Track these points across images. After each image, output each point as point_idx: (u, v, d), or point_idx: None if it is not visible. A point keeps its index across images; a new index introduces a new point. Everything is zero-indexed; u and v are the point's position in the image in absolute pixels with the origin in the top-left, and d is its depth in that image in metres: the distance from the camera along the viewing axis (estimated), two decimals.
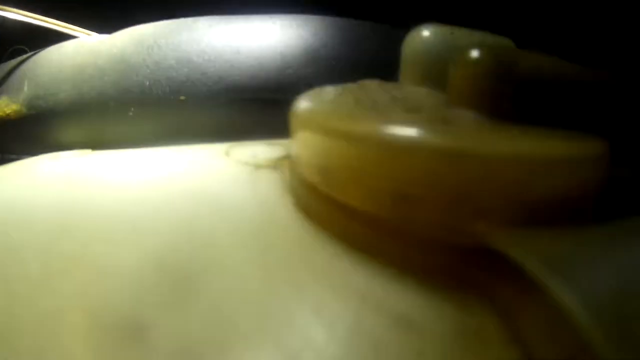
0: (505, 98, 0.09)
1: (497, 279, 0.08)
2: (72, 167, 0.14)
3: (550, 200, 0.08)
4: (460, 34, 0.11)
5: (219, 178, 0.12)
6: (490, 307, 0.08)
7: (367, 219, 0.09)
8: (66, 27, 0.19)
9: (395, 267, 0.09)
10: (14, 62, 0.19)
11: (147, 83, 0.16)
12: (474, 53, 0.09)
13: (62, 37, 0.19)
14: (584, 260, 0.07)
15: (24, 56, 0.19)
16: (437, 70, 0.10)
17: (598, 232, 0.08)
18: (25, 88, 0.18)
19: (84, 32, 0.19)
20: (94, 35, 0.19)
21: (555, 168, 0.08)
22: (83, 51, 0.18)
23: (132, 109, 0.16)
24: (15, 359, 0.08)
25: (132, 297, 0.09)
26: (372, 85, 0.11)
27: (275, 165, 0.12)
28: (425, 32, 0.11)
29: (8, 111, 0.17)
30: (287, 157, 0.12)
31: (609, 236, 0.08)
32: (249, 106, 0.16)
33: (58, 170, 0.14)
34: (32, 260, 0.10)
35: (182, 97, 0.16)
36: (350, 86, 0.11)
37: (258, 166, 0.12)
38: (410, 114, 0.09)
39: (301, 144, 0.10)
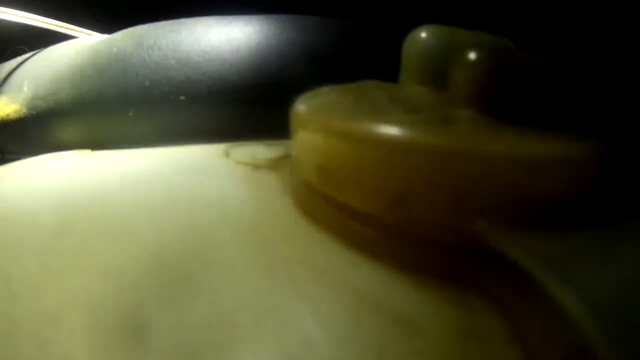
0: (505, 98, 0.09)
1: (497, 279, 0.08)
2: (72, 167, 0.14)
3: (550, 200, 0.08)
4: (460, 35, 0.11)
5: (218, 178, 0.12)
6: (490, 307, 0.08)
7: (367, 219, 0.09)
8: (66, 27, 0.19)
9: (395, 267, 0.09)
10: (14, 62, 0.19)
11: (147, 83, 0.16)
12: (474, 53, 0.09)
13: (62, 37, 0.19)
14: (584, 260, 0.07)
15: (24, 56, 0.19)
16: (437, 71, 0.10)
17: (598, 232, 0.08)
18: (25, 88, 0.17)
19: (84, 32, 0.19)
20: (94, 35, 0.19)
21: (555, 168, 0.08)
22: (83, 51, 0.18)
23: (132, 109, 0.16)
24: (15, 359, 0.08)
25: (132, 297, 0.09)
26: (372, 85, 0.11)
27: (274, 165, 0.12)
28: (425, 33, 0.11)
29: (8, 111, 0.17)
30: (286, 157, 0.12)
31: (609, 236, 0.08)
32: (249, 106, 0.16)
33: (58, 170, 0.14)
34: (32, 260, 0.10)
35: (182, 97, 0.16)
36: (350, 86, 0.11)
37: (257, 166, 0.12)
38: (410, 114, 0.09)
39: (301, 144, 0.10)
